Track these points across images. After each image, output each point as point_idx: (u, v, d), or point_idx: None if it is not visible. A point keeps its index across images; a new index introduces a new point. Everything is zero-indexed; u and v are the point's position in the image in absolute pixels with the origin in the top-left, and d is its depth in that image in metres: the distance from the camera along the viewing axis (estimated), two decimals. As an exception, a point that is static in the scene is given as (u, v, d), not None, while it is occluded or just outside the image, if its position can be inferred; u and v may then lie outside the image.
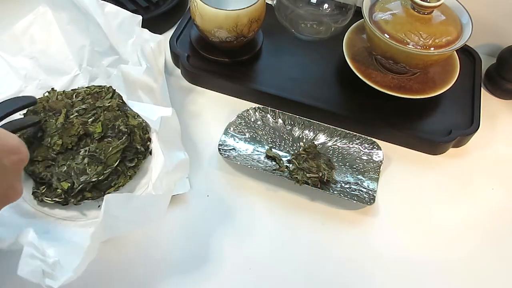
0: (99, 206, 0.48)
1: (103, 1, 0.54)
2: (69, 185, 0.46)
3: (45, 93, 0.54)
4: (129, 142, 0.51)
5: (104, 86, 0.55)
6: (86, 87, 0.56)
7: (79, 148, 0.48)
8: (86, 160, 0.47)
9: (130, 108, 0.54)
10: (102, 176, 0.47)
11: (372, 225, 0.50)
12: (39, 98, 0.53)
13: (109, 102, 0.52)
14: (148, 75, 0.49)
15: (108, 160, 0.48)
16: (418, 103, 0.58)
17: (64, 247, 0.41)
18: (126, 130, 0.50)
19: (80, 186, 0.46)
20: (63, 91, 0.54)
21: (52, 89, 0.54)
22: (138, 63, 0.52)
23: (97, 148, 0.48)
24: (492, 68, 0.65)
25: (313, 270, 0.47)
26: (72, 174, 0.46)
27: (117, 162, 0.48)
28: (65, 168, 0.47)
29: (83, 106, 0.52)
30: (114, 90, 0.54)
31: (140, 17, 0.55)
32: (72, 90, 0.55)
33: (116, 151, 0.48)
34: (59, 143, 0.47)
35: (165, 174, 0.44)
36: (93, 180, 0.46)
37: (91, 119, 0.50)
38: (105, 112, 0.51)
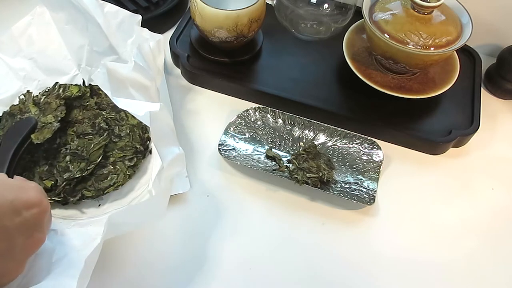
0: (99, 205, 0.48)
1: (102, 1, 0.54)
2: (53, 182, 0.47)
3: (21, 95, 0.54)
4: (128, 141, 0.51)
5: (82, 86, 0.56)
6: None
7: (60, 147, 0.49)
8: (68, 158, 0.48)
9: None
10: (86, 172, 0.48)
11: (372, 225, 0.50)
12: (13, 105, 0.54)
13: (87, 102, 0.53)
14: (139, 72, 0.48)
15: (91, 157, 0.49)
16: (418, 103, 0.58)
17: (64, 255, 0.41)
18: (106, 127, 0.51)
19: (64, 183, 0.47)
20: (39, 93, 0.54)
21: (28, 91, 0.55)
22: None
23: (79, 146, 0.49)
24: (492, 68, 0.65)
25: (313, 270, 0.47)
26: (55, 172, 0.47)
27: (99, 158, 0.49)
28: (47, 167, 0.48)
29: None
30: (91, 90, 0.55)
31: (139, 17, 0.55)
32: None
33: (98, 148, 0.49)
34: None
35: (162, 171, 0.44)
36: (77, 176, 0.47)
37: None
38: (84, 111, 0.53)
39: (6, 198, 0.30)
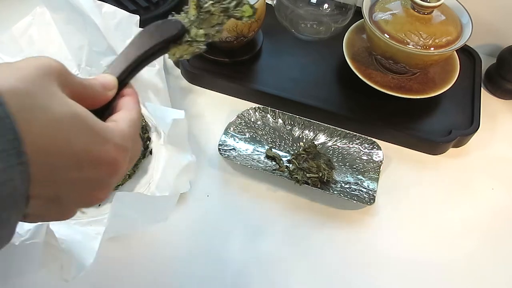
0: (99, 205, 0.48)
1: (100, 1, 0.54)
2: None
3: None
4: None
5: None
6: None
7: None
8: None
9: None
10: None
11: (372, 225, 0.50)
12: None
13: None
14: (158, 76, 0.49)
15: None
16: (418, 103, 0.58)
17: (70, 245, 0.42)
18: None
19: None
20: None
21: None
22: None
23: None
24: (492, 68, 0.65)
25: (312, 270, 0.47)
26: None
27: None
28: None
29: None
30: None
31: (137, 17, 0.55)
32: None
33: None
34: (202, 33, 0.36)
35: (173, 176, 0.44)
36: None
37: None
38: None
39: (73, 147, 0.23)
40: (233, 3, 0.37)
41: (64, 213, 0.27)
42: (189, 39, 0.34)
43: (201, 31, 0.35)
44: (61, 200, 0.25)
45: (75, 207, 0.27)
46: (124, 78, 0.30)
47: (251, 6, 0.37)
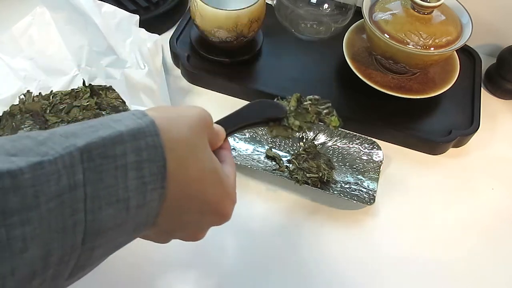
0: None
1: (100, 1, 0.54)
2: None
3: (21, 95, 0.54)
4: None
5: (81, 86, 0.55)
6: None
7: None
8: None
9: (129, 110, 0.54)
10: None
11: (372, 225, 0.50)
12: (13, 105, 0.53)
13: (87, 102, 0.53)
14: (149, 77, 0.49)
15: None
16: (418, 103, 0.58)
17: None
18: None
19: None
20: (39, 93, 0.54)
21: (28, 91, 0.54)
22: (136, 64, 0.52)
23: None
24: (492, 68, 0.65)
25: (313, 270, 0.47)
26: None
27: None
28: None
29: (61, 107, 0.52)
30: (92, 90, 0.55)
31: (137, 17, 0.55)
32: (50, 92, 0.55)
33: None
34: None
35: None
36: None
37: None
38: (84, 111, 0.52)
39: (205, 196, 0.27)
40: (325, 111, 0.45)
41: (165, 241, 0.31)
42: (286, 124, 0.41)
43: (297, 122, 0.41)
44: (171, 233, 0.29)
45: (175, 238, 0.31)
46: (228, 134, 0.35)
47: (339, 119, 0.44)
